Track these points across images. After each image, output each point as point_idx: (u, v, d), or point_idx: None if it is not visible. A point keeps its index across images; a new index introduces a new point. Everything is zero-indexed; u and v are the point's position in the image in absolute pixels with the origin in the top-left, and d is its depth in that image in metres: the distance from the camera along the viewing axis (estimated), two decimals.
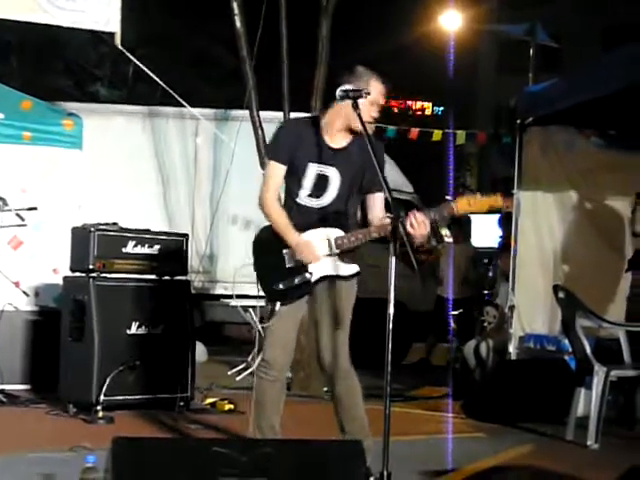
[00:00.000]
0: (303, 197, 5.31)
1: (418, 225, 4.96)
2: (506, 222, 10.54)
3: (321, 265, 5.25)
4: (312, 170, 5.28)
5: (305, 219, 5.28)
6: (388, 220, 4.99)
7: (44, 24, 9.30)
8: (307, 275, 5.25)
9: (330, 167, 5.29)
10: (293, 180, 5.33)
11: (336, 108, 5.26)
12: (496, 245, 11.92)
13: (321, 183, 5.29)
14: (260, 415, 5.37)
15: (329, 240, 5.24)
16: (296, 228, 5.25)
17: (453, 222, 12.92)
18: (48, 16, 9.03)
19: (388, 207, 5.04)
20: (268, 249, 5.32)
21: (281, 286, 5.26)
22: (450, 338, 11.25)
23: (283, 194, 5.45)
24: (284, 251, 5.27)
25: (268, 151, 5.48)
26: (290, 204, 5.36)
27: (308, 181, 5.29)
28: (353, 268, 5.32)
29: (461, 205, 5.08)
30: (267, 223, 5.37)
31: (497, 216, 11.18)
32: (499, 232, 11.22)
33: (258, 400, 5.39)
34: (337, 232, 5.25)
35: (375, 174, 5.01)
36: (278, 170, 5.33)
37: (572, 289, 7.63)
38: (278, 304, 5.29)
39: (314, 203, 5.31)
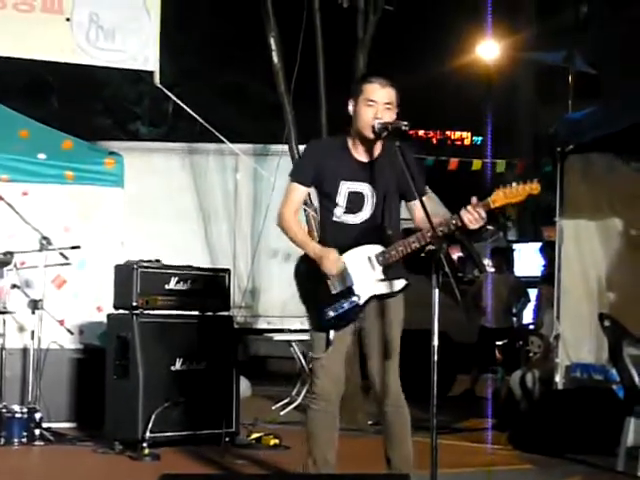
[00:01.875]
0: (339, 214, 5.27)
1: (472, 213, 4.94)
2: (548, 251, 10.48)
3: (367, 285, 5.19)
4: (344, 188, 5.24)
5: (343, 237, 5.23)
6: (429, 225, 4.95)
7: (84, 65, 9.38)
8: (354, 298, 5.19)
9: (362, 183, 5.24)
10: (327, 200, 5.29)
11: (353, 124, 5.25)
12: (539, 274, 11.85)
13: (355, 200, 5.24)
14: (313, 448, 5.33)
15: (370, 258, 5.19)
16: (335, 247, 5.19)
17: (495, 252, 12.87)
18: (87, 57, 9.11)
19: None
20: (310, 278, 5.27)
21: (331, 313, 5.19)
22: (494, 369, 11.16)
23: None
24: (327, 278, 5.20)
25: (292, 171, 5.43)
26: (327, 224, 5.32)
27: (342, 199, 5.25)
28: (401, 283, 5.24)
29: (497, 197, 5.02)
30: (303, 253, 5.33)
31: (539, 245, 11.13)
32: (541, 261, 11.15)
33: (310, 432, 5.35)
34: (377, 248, 5.20)
35: (407, 182, 5.02)
36: (296, 190, 5.31)
37: (618, 317, 7.54)
38: (332, 333, 5.22)
39: (351, 220, 5.26)
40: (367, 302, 5.22)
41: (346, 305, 5.19)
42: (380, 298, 5.24)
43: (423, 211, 4.93)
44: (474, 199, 5.02)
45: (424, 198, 5.12)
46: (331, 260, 5.14)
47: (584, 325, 8.77)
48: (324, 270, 5.15)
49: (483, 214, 4.95)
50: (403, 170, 5.02)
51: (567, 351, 8.74)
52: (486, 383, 12.23)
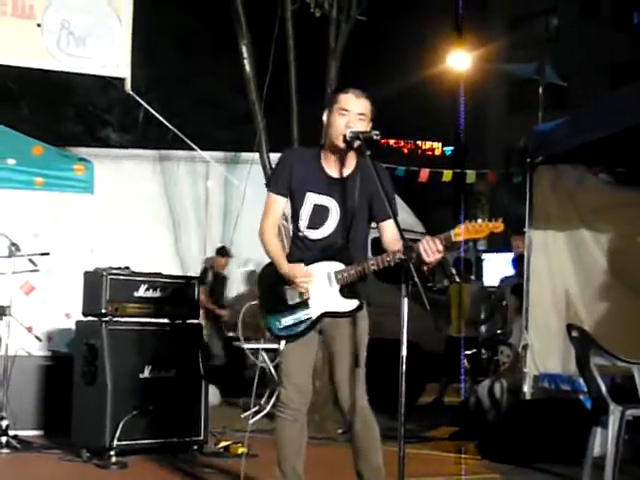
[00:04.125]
0: (302, 229, 5.27)
1: (432, 250, 4.87)
2: (520, 262, 10.54)
3: (321, 301, 5.20)
4: (310, 200, 5.23)
5: (306, 252, 5.24)
6: (396, 248, 4.94)
7: (54, 70, 9.34)
8: (307, 311, 5.20)
9: (329, 197, 5.23)
10: (294, 211, 5.30)
11: (326, 135, 5.26)
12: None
13: (319, 214, 5.23)
14: (281, 456, 5.31)
15: (329, 274, 5.18)
16: (298, 261, 5.20)
17: (459, 262, 12.91)
18: (57, 62, 9.08)
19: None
20: (270, 285, 5.29)
21: (283, 324, 5.22)
22: (462, 378, 11.21)
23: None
24: (285, 287, 5.22)
25: (267, 182, 5.41)
26: (294, 238, 5.33)
27: (306, 212, 5.24)
28: (353, 303, 5.22)
29: (461, 232, 5.05)
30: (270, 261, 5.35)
31: (511, 255, 11.18)
32: (510, 271, 11.21)
33: (278, 441, 5.33)
34: (338, 265, 5.19)
35: (380, 201, 5.02)
36: (275, 202, 5.29)
37: (585, 327, 7.58)
38: (282, 343, 5.26)
39: (313, 234, 5.25)
40: (319, 318, 5.23)
41: (298, 317, 5.21)
42: (333, 316, 5.24)
43: (398, 231, 4.91)
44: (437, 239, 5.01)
45: (389, 221, 5.12)
46: (301, 277, 5.15)
47: (552, 335, 8.81)
48: (296, 288, 5.16)
49: (441, 247, 4.94)
50: (375, 189, 5.03)
51: (535, 361, 8.79)
52: (454, 392, 12.27)
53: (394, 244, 5.04)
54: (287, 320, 5.22)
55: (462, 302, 11.90)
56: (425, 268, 5.09)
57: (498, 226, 5.06)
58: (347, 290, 5.20)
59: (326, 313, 5.22)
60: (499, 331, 11.02)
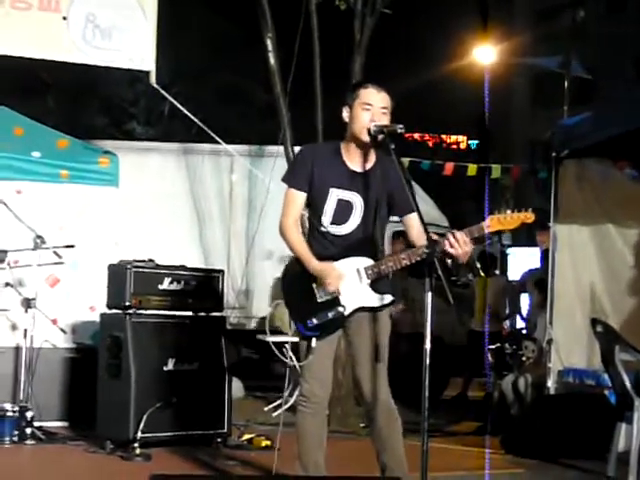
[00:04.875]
0: (326, 224, 5.24)
1: (459, 244, 4.90)
2: (547, 257, 10.50)
3: (353, 297, 5.18)
4: (333, 195, 5.22)
5: (331, 248, 5.22)
6: (422, 243, 4.94)
7: (80, 63, 9.37)
8: (340, 309, 5.18)
9: (352, 192, 5.22)
10: (315, 207, 5.27)
11: (347, 130, 5.24)
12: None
13: (344, 209, 5.22)
14: (302, 450, 5.32)
15: (359, 270, 5.17)
16: (323, 259, 5.17)
17: (484, 256, 12.86)
18: (84, 55, 9.11)
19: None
20: (297, 283, 5.26)
21: (315, 321, 5.18)
22: (486, 372, 11.17)
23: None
24: (314, 285, 5.19)
25: (286, 178, 5.37)
26: (315, 234, 5.29)
27: (330, 207, 5.22)
28: (387, 298, 5.24)
29: (492, 223, 5.01)
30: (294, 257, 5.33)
31: (535, 250, 11.14)
32: (539, 266, 11.15)
33: (300, 434, 5.34)
34: (366, 261, 5.17)
35: (403, 195, 5.00)
36: (296, 197, 5.27)
37: (611, 322, 7.54)
38: (314, 340, 5.23)
39: (338, 230, 5.23)
40: (351, 314, 5.22)
41: (330, 315, 5.18)
42: (365, 311, 5.23)
43: (422, 225, 4.88)
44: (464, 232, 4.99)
45: (414, 214, 5.10)
46: (333, 277, 5.13)
47: (577, 330, 8.78)
48: (326, 288, 5.14)
49: (467, 240, 4.92)
50: (396, 181, 5.02)
51: (559, 356, 8.75)
52: (478, 387, 12.24)
53: (420, 237, 5.01)
54: (318, 319, 5.18)
55: (486, 296, 11.86)
56: (450, 261, 5.07)
57: (529, 217, 5.03)
58: (378, 284, 5.19)
59: (359, 309, 5.21)
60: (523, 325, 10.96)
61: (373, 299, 5.22)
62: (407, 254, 5.07)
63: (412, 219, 5.19)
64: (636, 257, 9.02)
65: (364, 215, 5.22)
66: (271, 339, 10.72)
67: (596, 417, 7.67)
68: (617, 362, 7.11)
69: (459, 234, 4.92)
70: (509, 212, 5.03)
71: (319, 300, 5.20)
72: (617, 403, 7.27)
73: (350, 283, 5.18)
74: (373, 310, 5.24)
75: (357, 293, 5.19)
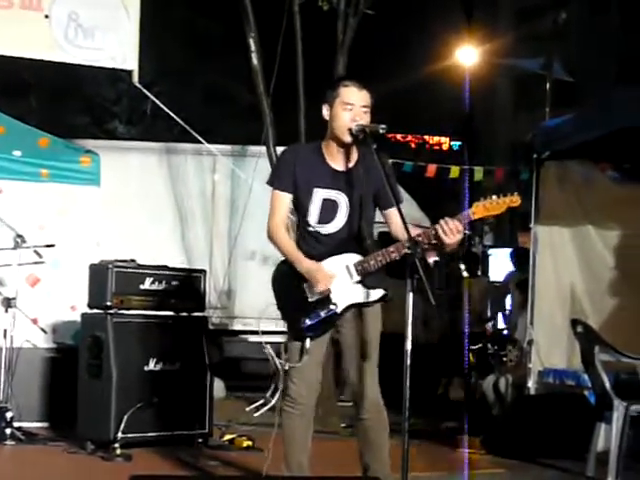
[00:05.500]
0: (313, 224, 5.24)
1: (451, 231, 4.90)
2: (518, 257, 10.54)
3: (345, 294, 5.17)
4: (318, 195, 5.22)
5: (319, 247, 5.22)
6: (406, 235, 4.93)
7: (62, 62, 9.34)
8: (332, 307, 5.16)
9: (337, 191, 5.22)
10: (301, 207, 5.27)
11: (328, 129, 5.24)
12: (502, 279, 11.89)
13: (329, 208, 5.22)
14: (288, 451, 5.32)
15: (348, 267, 5.16)
16: (312, 257, 5.17)
17: (467, 257, 12.89)
18: (66, 54, 9.08)
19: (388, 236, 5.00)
20: (288, 284, 5.23)
21: (308, 322, 5.16)
22: (467, 373, 11.20)
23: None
24: (304, 285, 5.18)
25: (270, 181, 5.35)
26: (302, 233, 5.29)
27: (315, 207, 5.22)
28: (379, 292, 5.22)
29: (478, 210, 5.00)
30: (283, 258, 5.33)
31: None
32: (511, 267, 11.18)
33: (286, 436, 5.34)
34: (355, 257, 5.16)
35: (385, 189, 5.02)
36: (282, 199, 5.26)
37: (591, 323, 7.58)
38: (308, 341, 5.19)
39: (325, 229, 5.23)
40: (344, 311, 5.21)
41: (323, 313, 5.16)
42: (357, 307, 5.23)
43: (401, 220, 4.89)
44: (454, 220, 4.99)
45: (394, 208, 5.09)
46: (322, 277, 5.12)
47: (557, 331, 8.81)
48: (316, 288, 5.13)
49: (460, 227, 4.93)
50: (379, 178, 5.02)
51: (540, 356, 8.78)
52: (459, 387, 12.25)
53: (403, 230, 4.98)
54: (311, 318, 5.16)
55: (471, 297, 11.87)
56: (432, 261, 5.07)
57: (515, 200, 5.00)
58: (369, 280, 5.19)
59: (351, 305, 5.20)
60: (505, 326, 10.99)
61: (365, 295, 5.20)
62: (396, 247, 5.06)
63: (393, 212, 5.17)
64: (616, 258, 9.06)
65: (350, 213, 5.22)
66: (261, 339, 10.70)
67: (576, 417, 7.70)
68: (597, 363, 7.15)
69: (451, 221, 4.92)
70: (494, 197, 5.02)
71: (310, 300, 5.18)
72: (596, 403, 7.31)
73: (340, 281, 5.17)
74: (364, 306, 5.23)
75: (348, 290, 5.17)
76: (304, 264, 5.16)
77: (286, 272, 5.26)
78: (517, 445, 7.80)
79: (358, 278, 5.17)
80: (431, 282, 4.76)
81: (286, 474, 5.26)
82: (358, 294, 5.19)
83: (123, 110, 27.04)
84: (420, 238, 4.94)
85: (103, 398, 7.38)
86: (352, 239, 5.21)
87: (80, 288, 8.10)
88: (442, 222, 4.91)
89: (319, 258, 5.18)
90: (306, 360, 5.22)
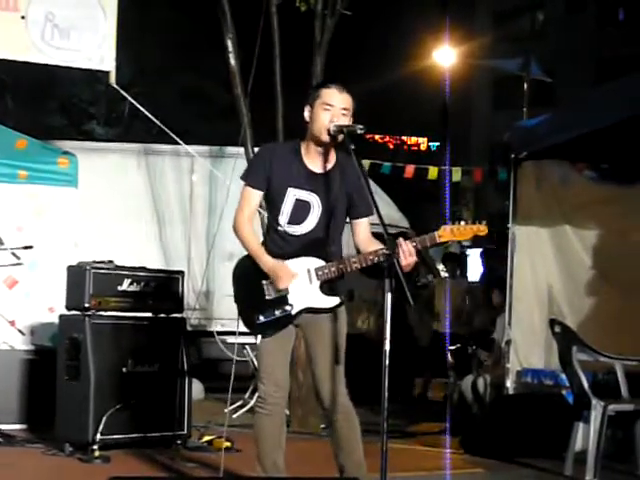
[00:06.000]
0: (283, 224, 5.24)
1: (405, 255, 4.93)
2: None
3: (301, 297, 5.18)
4: (291, 195, 5.21)
5: (286, 247, 5.22)
6: (374, 249, 5.00)
7: (39, 63, 9.30)
8: (287, 307, 5.18)
9: (310, 192, 5.22)
10: (273, 206, 5.27)
11: (308, 130, 5.24)
12: (477, 279, 11.95)
13: (301, 209, 5.22)
14: (261, 451, 5.31)
15: (309, 270, 5.17)
16: (277, 257, 5.18)
17: (447, 258, 12.94)
18: (42, 55, 9.04)
19: (381, 238, 5.00)
20: (248, 280, 5.25)
21: (262, 319, 5.18)
22: (447, 373, 11.23)
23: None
24: (263, 282, 5.19)
25: (244, 176, 5.34)
26: (271, 232, 5.29)
27: (287, 207, 5.22)
28: (334, 300, 5.23)
29: (444, 234, 5.05)
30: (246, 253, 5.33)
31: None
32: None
33: (258, 436, 5.33)
34: (318, 262, 5.18)
35: (360, 198, 5.05)
36: (252, 195, 5.26)
37: (568, 323, 7.61)
38: (259, 337, 5.25)
39: (294, 230, 5.23)
40: (298, 313, 5.22)
41: (278, 313, 5.18)
42: (313, 312, 5.24)
43: (380, 221, 4.90)
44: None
45: (365, 218, 5.23)
46: (285, 274, 5.13)
47: (535, 331, 8.85)
48: (276, 284, 5.14)
49: (413, 251, 4.96)
50: (355, 184, 5.06)
51: (518, 356, 8.81)
52: (439, 387, 12.29)
53: (367, 243, 5.13)
54: (265, 316, 5.18)
55: (451, 298, 11.91)
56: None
57: (482, 229, 5.07)
58: (327, 287, 5.21)
59: (306, 309, 5.22)
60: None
61: (321, 300, 5.22)
62: (358, 258, 5.11)
63: (362, 223, 5.27)
64: (594, 258, 9.11)
65: (321, 216, 5.23)
66: (235, 340, 10.68)
67: (554, 417, 7.73)
68: (575, 362, 7.18)
69: (405, 245, 4.96)
70: (463, 223, 5.07)
71: (267, 297, 5.19)
72: (574, 403, 7.34)
73: (300, 283, 5.18)
74: (319, 312, 5.24)
75: (306, 293, 5.19)
76: (265, 259, 5.17)
77: (247, 268, 5.27)
78: (496, 445, 7.83)
79: (318, 283, 5.18)
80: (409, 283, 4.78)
81: (261, 474, 5.26)
82: (315, 298, 5.20)
83: (101, 111, 26.98)
84: (373, 257, 5.00)
85: (81, 400, 7.35)
86: (320, 242, 5.22)
87: (58, 290, 8.08)
88: (400, 243, 4.95)
89: (283, 258, 5.19)
90: (263, 356, 5.28)
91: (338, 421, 5.31)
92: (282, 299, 5.18)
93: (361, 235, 5.27)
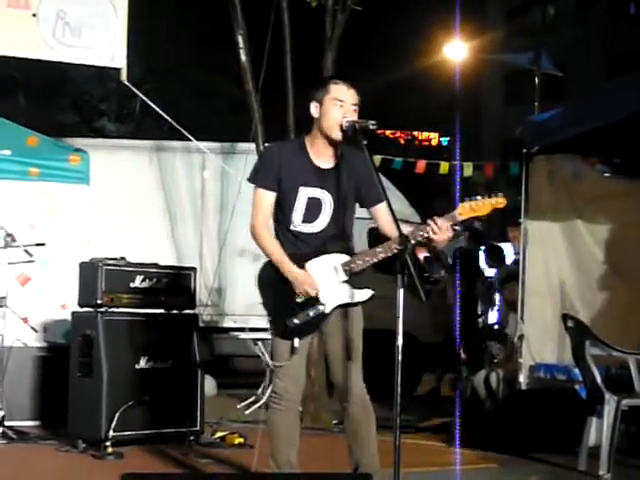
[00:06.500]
0: (297, 223, 5.22)
1: (441, 230, 4.94)
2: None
3: (333, 294, 5.17)
4: (303, 194, 5.19)
5: (303, 247, 5.20)
6: (394, 232, 4.96)
7: (50, 61, 9.31)
8: (320, 307, 5.16)
9: (322, 190, 5.20)
10: (285, 207, 5.23)
11: (315, 126, 5.23)
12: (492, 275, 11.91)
13: (313, 207, 5.20)
14: (275, 448, 5.31)
15: (336, 267, 5.17)
16: (296, 258, 5.16)
17: (460, 253, 12.89)
18: (54, 53, 9.06)
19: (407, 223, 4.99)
20: (275, 284, 5.22)
21: (296, 321, 5.14)
22: (459, 368, 11.21)
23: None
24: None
25: (253, 178, 5.31)
26: (285, 233, 5.26)
27: (300, 206, 5.20)
28: (366, 293, 5.23)
29: (464, 211, 5.04)
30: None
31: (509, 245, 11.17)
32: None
33: (272, 432, 5.33)
34: (342, 257, 5.18)
35: (371, 186, 5.03)
36: (265, 197, 5.23)
37: (581, 318, 7.58)
38: (297, 341, 5.19)
39: (309, 229, 5.21)
40: (332, 311, 5.21)
41: (312, 313, 5.16)
42: (345, 307, 5.23)
43: (391, 216, 4.90)
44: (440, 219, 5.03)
45: (382, 204, 5.14)
46: (308, 285, 5.11)
47: (547, 325, 8.82)
48: (299, 293, 5.12)
49: (448, 226, 4.96)
50: (363, 174, 5.04)
51: (531, 351, 8.78)
52: (451, 382, 12.27)
53: (392, 227, 4.99)
54: (299, 319, 5.15)
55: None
56: (422, 257, 5.07)
57: (500, 201, 5.03)
58: (357, 280, 5.19)
59: (340, 305, 5.20)
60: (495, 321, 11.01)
61: (353, 295, 5.21)
62: (383, 247, 5.08)
63: (381, 209, 5.21)
64: (606, 253, 9.08)
65: (333, 212, 5.22)
66: (248, 336, 10.70)
67: (567, 412, 7.71)
68: (588, 357, 7.16)
69: (440, 220, 4.95)
70: (480, 198, 5.04)
71: (299, 300, 5.17)
72: (588, 397, 7.32)
73: (328, 281, 5.16)
74: (351, 306, 5.23)
75: (336, 290, 5.18)
76: (287, 267, 5.14)
77: (272, 274, 5.23)
78: (509, 440, 7.80)
79: (345, 278, 5.17)
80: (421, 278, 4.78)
81: (275, 471, 5.26)
82: (345, 294, 5.20)
83: (112, 108, 27.02)
84: (410, 237, 4.95)
85: (94, 396, 7.37)
86: (337, 238, 5.21)
87: (70, 286, 8.10)
88: (431, 222, 4.94)
89: (304, 258, 5.17)
90: (294, 359, 5.23)
91: (355, 415, 5.29)
92: (314, 299, 5.16)
93: (384, 220, 5.20)
